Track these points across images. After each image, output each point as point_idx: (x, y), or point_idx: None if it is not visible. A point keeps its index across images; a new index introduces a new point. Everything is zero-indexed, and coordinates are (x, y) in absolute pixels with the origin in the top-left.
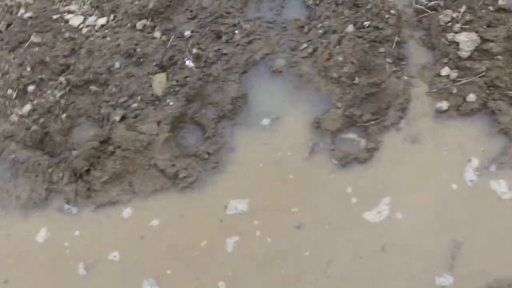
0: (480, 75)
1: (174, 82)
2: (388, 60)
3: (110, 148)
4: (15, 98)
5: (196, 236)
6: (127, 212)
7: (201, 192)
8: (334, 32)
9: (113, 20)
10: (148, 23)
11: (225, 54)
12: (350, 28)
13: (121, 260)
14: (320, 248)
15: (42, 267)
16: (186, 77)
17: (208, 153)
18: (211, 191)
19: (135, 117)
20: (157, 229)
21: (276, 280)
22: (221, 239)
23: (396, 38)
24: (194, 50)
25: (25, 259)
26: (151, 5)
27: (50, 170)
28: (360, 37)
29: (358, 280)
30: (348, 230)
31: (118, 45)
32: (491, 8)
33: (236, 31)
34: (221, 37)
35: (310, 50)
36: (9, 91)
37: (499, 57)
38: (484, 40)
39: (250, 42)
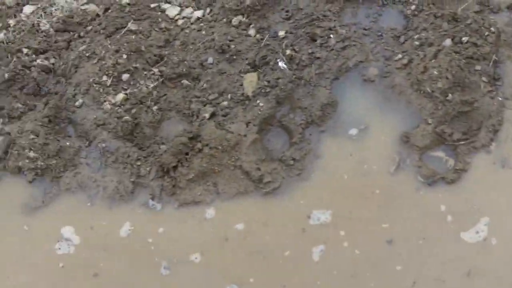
0: None
1: (265, 83)
2: (484, 79)
3: (199, 145)
4: (109, 86)
5: (279, 244)
6: (210, 212)
7: (284, 199)
8: (431, 44)
9: (209, 13)
10: (243, 19)
11: (318, 58)
12: (447, 42)
13: (202, 262)
14: (409, 264)
15: (126, 262)
16: (277, 78)
17: (293, 159)
18: (294, 199)
19: (225, 115)
20: (240, 234)
21: None
22: (305, 248)
23: (494, 57)
24: (288, 52)
25: (111, 253)
26: (248, 2)
27: (138, 163)
28: (457, 52)
29: None
30: (442, 248)
31: (213, 39)
32: None
33: (331, 36)
34: (315, 40)
35: (405, 61)
36: (104, 78)
37: None
38: None
39: (344, 48)
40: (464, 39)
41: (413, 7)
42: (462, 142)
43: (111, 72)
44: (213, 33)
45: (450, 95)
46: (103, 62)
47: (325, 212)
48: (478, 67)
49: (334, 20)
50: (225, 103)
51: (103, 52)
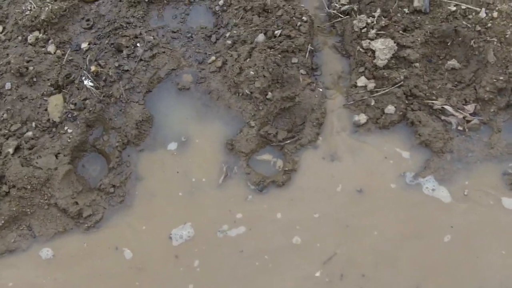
0: (398, 84)
1: (71, 106)
2: (302, 71)
3: (4, 188)
4: None
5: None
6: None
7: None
8: (244, 42)
9: (1, 32)
10: (40, 35)
11: (127, 71)
12: (260, 37)
13: None
14: None
15: None
16: (85, 99)
17: (113, 185)
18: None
19: (31, 148)
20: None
21: None
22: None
23: (309, 47)
24: (93, 68)
25: None
26: (43, 15)
27: None
28: (271, 47)
29: None
30: None
31: (8, 62)
32: (406, 10)
33: (138, 44)
34: (122, 51)
35: (219, 63)
36: None
37: (417, 64)
38: (401, 47)
39: (153, 56)
40: (277, 32)
41: (221, 2)
42: (288, 141)
43: None
44: (7, 55)
45: (269, 93)
46: None
47: (184, 226)
48: (294, 60)
49: (140, 27)
50: (30, 133)
51: None
